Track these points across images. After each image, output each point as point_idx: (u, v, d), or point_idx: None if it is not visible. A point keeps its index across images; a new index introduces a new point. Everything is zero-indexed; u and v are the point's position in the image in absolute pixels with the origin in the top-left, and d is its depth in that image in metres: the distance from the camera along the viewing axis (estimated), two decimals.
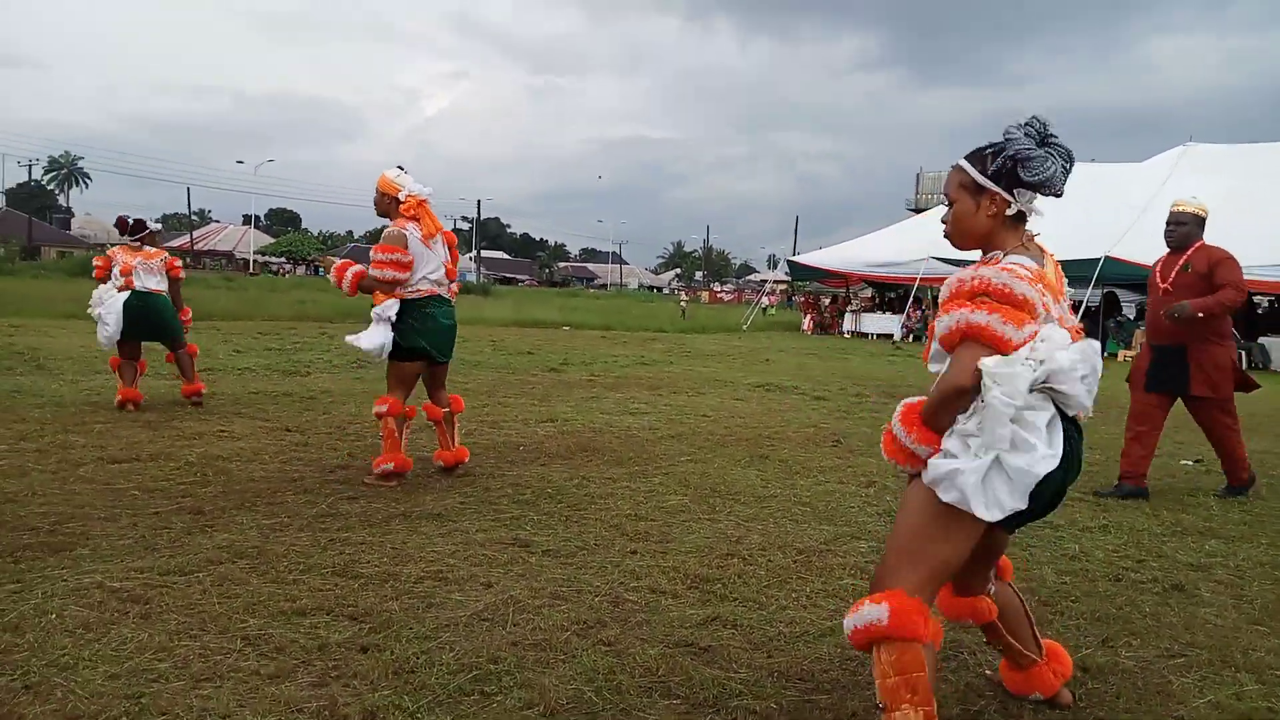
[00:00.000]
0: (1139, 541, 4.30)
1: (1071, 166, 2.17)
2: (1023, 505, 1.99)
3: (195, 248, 71.21)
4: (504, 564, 3.54)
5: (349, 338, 4.74)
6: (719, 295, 68.50)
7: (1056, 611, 3.29)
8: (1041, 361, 2.00)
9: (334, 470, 5.00)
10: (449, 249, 4.95)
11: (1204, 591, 3.59)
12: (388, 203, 4.80)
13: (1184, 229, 5.24)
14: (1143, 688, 2.68)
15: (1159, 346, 5.37)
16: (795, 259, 27.28)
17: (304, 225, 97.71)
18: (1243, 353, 17.82)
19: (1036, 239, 2.24)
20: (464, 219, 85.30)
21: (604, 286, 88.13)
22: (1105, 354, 20.75)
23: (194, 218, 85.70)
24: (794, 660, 2.76)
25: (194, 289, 26.47)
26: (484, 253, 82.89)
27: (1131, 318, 22.33)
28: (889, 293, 26.14)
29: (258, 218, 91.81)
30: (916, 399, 2.18)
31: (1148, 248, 18.34)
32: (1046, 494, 2.05)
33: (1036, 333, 2.04)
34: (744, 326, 25.48)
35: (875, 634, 2.00)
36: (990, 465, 1.97)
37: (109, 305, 6.77)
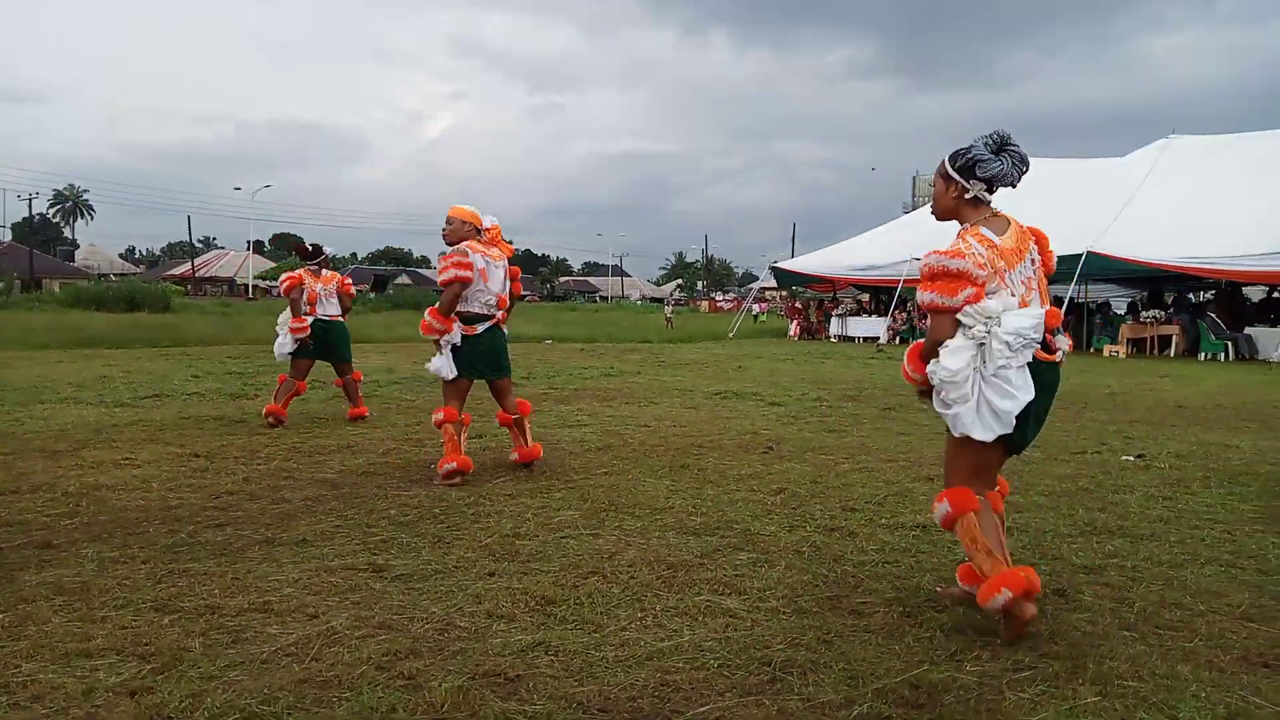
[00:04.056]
0: (1038, 544, 4.09)
1: (1025, 167, 3.00)
2: (1008, 429, 2.86)
3: (196, 274, 71.60)
4: (343, 591, 3.36)
5: (428, 365, 5.49)
6: (719, 305, 68.24)
7: (915, 623, 3.08)
8: (988, 330, 2.83)
9: (219, 497, 4.84)
10: (511, 280, 5.53)
11: (1086, 596, 3.39)
12: (467, 230, 5.33)
13: None
14: (974, 705, 2.48)
15: None
16: (779, 265, 27.00)
17: None
18: (1228, 343, 17.50)
19: (1003, 213, 3.04)
20: None
21: (605, 299, 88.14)
22: (1092, 349, 20.36)
23: (198, 245, 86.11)
24: (602, 689, 2.57)
25: (187, 316, 26.73)
26: None
27: (1123, 313, 21.91)
28: (883, 295, 25.64)
29: (261, 243, 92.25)
30: (916, 342, 3.13)
31: (1129, 242, 18.20)
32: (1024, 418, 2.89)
33: (978, 293, 2.84)
34: (730, 335, 25.27)
35: (947, 519, 3.01)
36: (977, 408, 2.86)
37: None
